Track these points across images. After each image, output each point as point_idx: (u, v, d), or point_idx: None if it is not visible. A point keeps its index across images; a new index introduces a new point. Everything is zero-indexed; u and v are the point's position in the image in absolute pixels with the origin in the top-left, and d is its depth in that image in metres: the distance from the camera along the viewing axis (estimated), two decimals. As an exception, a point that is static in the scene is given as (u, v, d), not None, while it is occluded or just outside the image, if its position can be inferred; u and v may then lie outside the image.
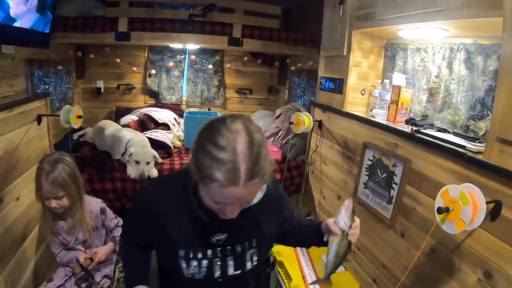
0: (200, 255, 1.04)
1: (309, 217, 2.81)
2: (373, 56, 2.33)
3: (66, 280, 1.66)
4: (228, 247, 1.07)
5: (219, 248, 1.06)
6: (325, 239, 1.13)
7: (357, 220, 1.12)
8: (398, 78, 2.04)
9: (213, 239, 1.05)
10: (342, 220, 1.09)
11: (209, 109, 4.20)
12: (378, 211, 1.92)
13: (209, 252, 1.05)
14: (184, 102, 4.24)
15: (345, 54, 2.28)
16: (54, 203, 1.59)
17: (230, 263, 1.08)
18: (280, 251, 2.05)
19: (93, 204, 1.82)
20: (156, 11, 3.09)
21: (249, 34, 3.20)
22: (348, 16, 2.21)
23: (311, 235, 1.25)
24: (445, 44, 1.85)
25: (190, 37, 3.10)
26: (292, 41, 3.30)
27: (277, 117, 3.58)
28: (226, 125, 0.86)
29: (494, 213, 1.25)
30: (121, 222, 1.90)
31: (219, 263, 1.06)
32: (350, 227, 1.09)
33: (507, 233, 1.21)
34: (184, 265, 1.04)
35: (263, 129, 3.79)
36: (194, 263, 1.04)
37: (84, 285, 1.60)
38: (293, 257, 2.02)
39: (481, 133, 1.67)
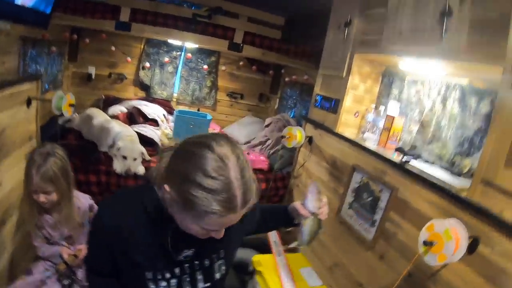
0: (168, 275, 1.01)
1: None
2: (370, 81, 2.39)
3: (48, 276, 1.62)
4: (196, 262, 1.06)
5: (187, 265, 1.04)
6: (296, 221, 1.24)
7: (323, 199, 1.21)
8: (393, 107, 2.11)
9: (181, 256, 1.02)
10: (310, 203, 1.19)
11: (198, 110, 4.17)
12: (360, 232, 1.97)
13: (177, 270, 1.03)
14: (174, 99, 4.21)
15: (344, 76, 2.33)
16: (42, 198, 1.54)
17: (200, 277, 1.07)
18: (260, 261, 2.07)
19: (82, 200, 1.78)
20: (160, 5, 3.07)
21: (250, 41, 3.23)
22: (352, 39, 2.26)
23: (279, 219, 1.34)
24: (441, 81, 1.93)
25: (191, 36, 3.10)
26: (292, 53, 3.34)
27: (267, 126, 3.62)
28: (213, 151, 0.82)
29: (471, 247, 1.32)
30: None
31: (188, 279, 1.05)
32: (319, 207, 1.20)
33: (482, 267, 1.28)
34: (152, 286, 1.00)
35: (251, 136, 3.84)
36: (163, 283, 1.01)
37: (66, 282, 1.56)
38: (273, 267, 2.04)
39: (465, 170, 1.76)
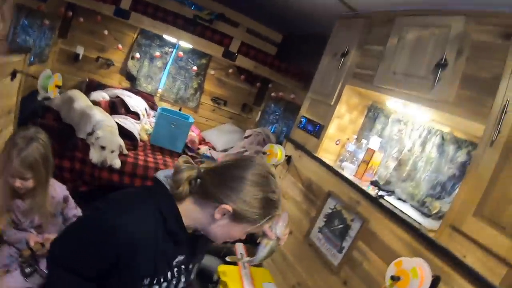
0: (162, 279, 1.06)
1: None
2: (356, 112, 2.48)
3: (12, 261, 1.54)
4: (183, 266, 1.13)
5: (176, 269, 1.11)
6: (258, 240, 1.36)
7: (287, 228, 1.38)
8: (374, 142, 2.19)
9: (174, 261, 1.08)
10: (279, 229, 1.34)
11: (180, 109, 4.14)
12: (327, 256, 2.02)
13: (169, 274, 1.08)
14: (158, 95, 4.16)
15: (332, 104, 2.41)
16: (18, 183, 1.46)
17: (183, 280, 1.15)
18: (226, 272, 2.07)
19: (57, 190, 1.70)
20: (163, 0, 3.05)
21: (244, 52, 3.28)
22: (346, 69, 2.34)
23: None
24: (424, 125, 2.04)
25: (188, 36, 3.10)
26: (283, 71, 3.41)
27: (246, 137, 3.64)
28: (269, 171, 1.04)
29: (432, 285, 1.39)
30: (79, 212, 1.80)
31: (174, 282, 1.11)
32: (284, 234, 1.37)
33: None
34: None
35: (229, 144, 3.86)
36: (156, 287, 1.04)
37: (28, 270, 1.48)
38: (237, 278, 2.06)
39: (434, 211, 1.85)
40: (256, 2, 3.17)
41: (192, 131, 3.79)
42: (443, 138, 1.91)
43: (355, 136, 2.49)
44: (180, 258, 1.09)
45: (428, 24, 1.80)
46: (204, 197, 1.03)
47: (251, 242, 1.40)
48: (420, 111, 1.90)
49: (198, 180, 1.06)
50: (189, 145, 3.48)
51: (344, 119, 2.47)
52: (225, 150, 3.75)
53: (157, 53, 3.93)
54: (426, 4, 1.85)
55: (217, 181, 1.02)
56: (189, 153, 3.40)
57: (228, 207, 0.99)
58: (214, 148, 3.83)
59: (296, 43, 3.85)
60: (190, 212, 1.05)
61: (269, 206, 1.02)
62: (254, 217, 1.01)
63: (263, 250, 1.35)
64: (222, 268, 2.11)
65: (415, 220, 1.67)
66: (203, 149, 3.68)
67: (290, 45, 3.87)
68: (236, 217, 1.01)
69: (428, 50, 1.73)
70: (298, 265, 2.24)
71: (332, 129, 2.44)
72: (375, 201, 1.84)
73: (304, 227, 2.28)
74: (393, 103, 2.12)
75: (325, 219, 2.15)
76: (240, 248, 2.33)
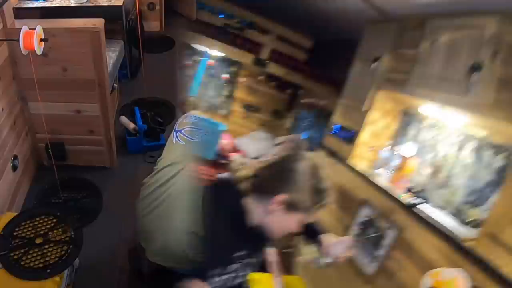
0: (223, 272, 1.19)
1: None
2: (390, 118, 2.42)
3: None
4: (243, 260, 1.26)
5: (237, 263, 1.23)
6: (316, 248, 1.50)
7: (348, 252, 1.48)
8: (409, 147, 2.14)
9: (236, 255, 1.21)
10: (338, 251, 1.42)
11: (211, 117, 4.20)
12: (361, 265, 1.99)
13: (230, 268, 1.21)
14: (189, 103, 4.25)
15: (365, 109, 2.37)
16: None
17: (241, 274, 1.29)
18: (257, 279, 2.08)
19: None
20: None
21: (275, 59, 3.30)
22: (379, 75, 2.30)
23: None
24: (460, 130, 1.96)
25: (219, 45, 3.17)
26: (315, 77, 3.40)
27: (278, 144, 3.64)
28: (317, 163, 1.22)
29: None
30: None
31: (233, 275, 1.24)
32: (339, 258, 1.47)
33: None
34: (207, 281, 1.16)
35: (261, 151, 3.85)
36: (217, 278, 1.16)
37: None
38: (270, 286, 2.06)
39: (471, 219, 1.78)
40: (285, 9, 3.18)
41: (224, 139, 3.84)
42: (479, 143, 1.83)
43: (389, 142, 2.43)
44: (242, 252, 1.22)
45: (461, 26, 1.74)
46: (261, 192, 1.18)
47: (309, 236, 1.54)
48: (456, 116, 1.84)
49: (254, 177, 1.20)
50: (220, 152, 3.52)
51: (377, 125, 2.42)
52: (256, 158, 3.76)
53: (188, 62, 4.02)
54: (458, 5, 1.79)
55: (271, 176, 1.17)
56: (221, 161, 3.45)
57: (282, 197, 1.12)
58: (245, 156, 3.85)
59: (327, 48, 3.81)
60: (251, 208, 1.19)
61: (318, 194, 1.15)
62: (306, 205, 1.15)
63: (322, 260, 1.49)
64: (253, 275, 2.12)
65: (451, 229, 1.62)
66: (235, 156, 3.71)
67: (320, 50, 3.85)
68: (290, 206, 1.13)
69: (462, 52, 1.68)
70: (332, 274, 2.21)
71: (365, 136, 2.40)
72: (410, 210, 1.80)
73: (338, 235, 2.23)
74: (428, 108, 2.06)
75: (359, 228, 2.12)
76: (272, 256, 2.32)
